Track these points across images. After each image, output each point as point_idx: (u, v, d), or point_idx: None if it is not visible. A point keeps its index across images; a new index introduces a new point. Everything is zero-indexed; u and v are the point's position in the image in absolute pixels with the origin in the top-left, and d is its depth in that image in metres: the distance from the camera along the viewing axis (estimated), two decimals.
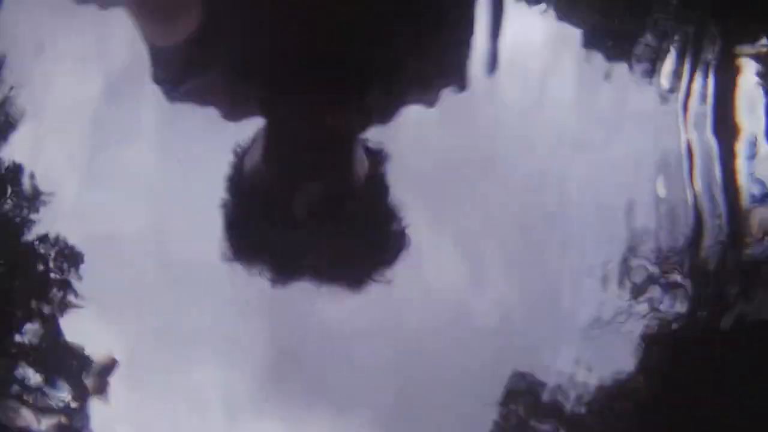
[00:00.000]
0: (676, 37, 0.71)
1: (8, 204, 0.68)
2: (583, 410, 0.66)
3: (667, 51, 0.71)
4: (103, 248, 0.66)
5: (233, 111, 0.68)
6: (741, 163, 0.69)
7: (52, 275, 0.67)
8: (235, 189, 0.67)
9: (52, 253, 0.67)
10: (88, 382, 0.66)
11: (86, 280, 0.66)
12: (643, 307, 0.66)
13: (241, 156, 0.68)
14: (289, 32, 0.67)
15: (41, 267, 0.67)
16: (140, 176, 0.67)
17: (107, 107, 0.68)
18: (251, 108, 0.68)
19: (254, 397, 0.66)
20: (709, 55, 0.70)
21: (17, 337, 0.66)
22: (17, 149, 0.68)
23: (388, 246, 0.67)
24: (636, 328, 0.66)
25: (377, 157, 0.68)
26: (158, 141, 0.68)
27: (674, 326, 0.66)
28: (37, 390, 0.65)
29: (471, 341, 0.66)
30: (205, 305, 0.66)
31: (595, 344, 0.66)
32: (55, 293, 0.66)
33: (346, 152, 0.68)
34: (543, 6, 0.71)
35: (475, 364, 0.65)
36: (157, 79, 0.67)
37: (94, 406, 0.65)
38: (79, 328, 0.66)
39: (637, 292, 0.67)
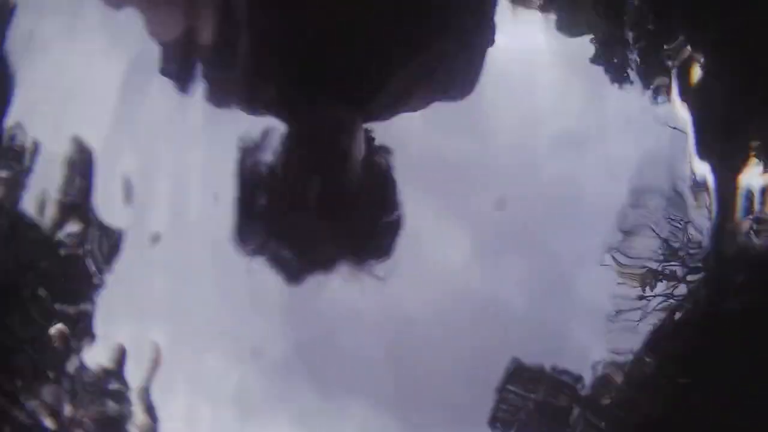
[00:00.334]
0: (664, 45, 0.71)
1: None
2: (589, 395, 0.66)
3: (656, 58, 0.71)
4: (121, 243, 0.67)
5: (248, 106, 0.69)
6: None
7: (70, 269, 0.68)
8: (242, 182, 0.68)
9: (68, 248, 0.68)
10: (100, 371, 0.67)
11: (104, 276, 0.67)
12: (647, 295, 0.67)
13: (248, 150, 0.68)
14: (296, 31, 0.68)
15: (58, 259, 0.68)
16: (154, 171, 0.68)
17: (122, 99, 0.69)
18: (262, 104, 0.69)
19: (264, 386, 0.66)
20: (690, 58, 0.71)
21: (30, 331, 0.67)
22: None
23: (390, 236, 0.67)
24: (639, 316, 0.67)
25: (379, 150, 0.68)
26: (171, 134, 0.69)
27: (678, 314, 0.67)
28: (53, 385, 0.66)
29: (475, 328, 0.66)
30: (214, 298, 0.67)
31: (600, 330, 0.66)
32: (73, 289, 0.68)
33: (348, 146, 0.69)
34: (540, 15, 0.72)
35: (481, 351, 0.66)
36: (166, 72, 0.68)
37: (111, 398, 0.66)
38: (96, 323, 0.67)
39: (641, 281, 0.67)
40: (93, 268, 0.67)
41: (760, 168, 0.68)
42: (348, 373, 0.66)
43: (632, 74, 0.70)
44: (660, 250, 0.68)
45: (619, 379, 0.66)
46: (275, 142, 0.68)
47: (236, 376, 0.66)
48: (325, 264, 0.67)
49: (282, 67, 0.69)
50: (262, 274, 0.67)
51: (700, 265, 0.68)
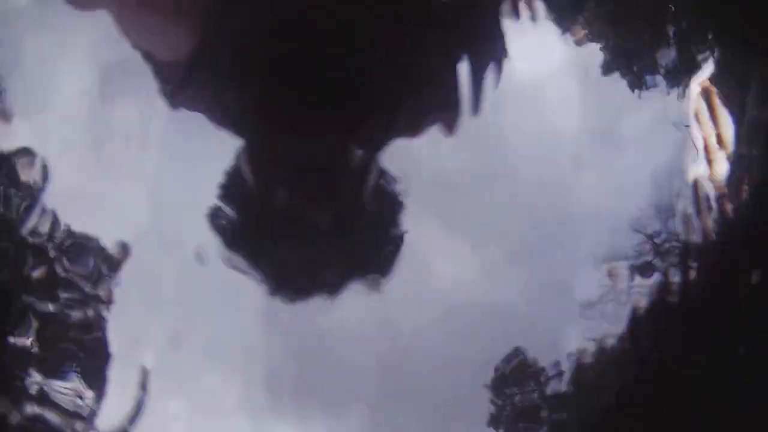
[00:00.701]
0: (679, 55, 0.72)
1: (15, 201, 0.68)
2: (584, 393, 0.68)
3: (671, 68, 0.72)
4: (120, 254, 0.67)
5: (224, 119, 0.67)
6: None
7: (73, 279, 0.67)
8: (231, 199, 0.67)
9: (72, 257, 0.67)
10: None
11: (105, 285, 0.67)
12: (644, 294, 0.69)
13: (237, 166, 0.67)
14: (289, 43, 0.67)
15: (61, 269, 0.67)
16: (148, 182, 0.67)
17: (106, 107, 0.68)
18: (242, 117, 0.68)
19: (260, 399, 0.67)
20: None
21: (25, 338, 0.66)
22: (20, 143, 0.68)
23: (390, 253, 0.67)
24: (636, 313, 0.68)
25: (378, 169, 0.68)
26: (162, 145, 0.68)
27: (675, 310, 0.69)
28: (54, 389, 0.66)
29: (476, 340, 0.67)
30: (214, 312, 0.67)
31: (596, 329, 0.68)
32: (74, 296, 0.67)
33: (344, 165, 0.68)
34: (550, 28, 0.71)
35: (483, 362, 0.68)
36: (161, 91, 0.67)
37: (111, 405, 0.66)
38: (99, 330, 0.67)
39: (639, 277, 0.69)
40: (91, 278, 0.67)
41: None
42: (347, 385, 0.67)
43: (643, 84, 0.71)
44: (664, 258, 0.69)
45: (620, 384, 0.68)
46: (262, 159, 0.68)
47: (236, 390, 0.67)
48: (321, 280, 0.67)
49: (271, 81, 0.67)
50: (257, 290, 0.67)
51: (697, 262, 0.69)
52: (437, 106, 0.69)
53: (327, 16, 0.66)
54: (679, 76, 0.71)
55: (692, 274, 0.69)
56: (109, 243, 0.67)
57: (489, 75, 0.69)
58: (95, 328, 0.66)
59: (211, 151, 0.67)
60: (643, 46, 0.72)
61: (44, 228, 0.67)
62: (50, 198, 0.67)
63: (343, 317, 0.67)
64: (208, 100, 0.67)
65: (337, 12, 0.67)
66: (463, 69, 0.69)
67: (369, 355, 0.67)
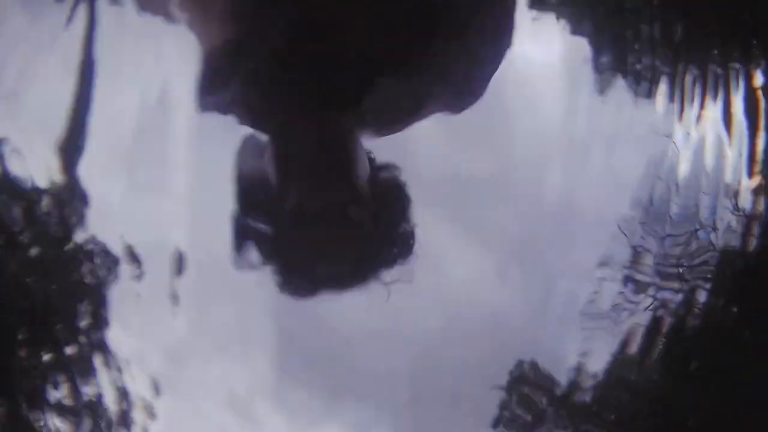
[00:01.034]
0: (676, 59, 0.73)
1: (44, 207, 0.69)
2: (588, 400, 0.69)
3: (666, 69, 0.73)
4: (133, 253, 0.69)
5: (253, 122, 0.69)
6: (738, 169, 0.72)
7: (87, 279, 0.69)
8: (244, 195, 0.68)
9: (86, 257, 0.69)
10: None
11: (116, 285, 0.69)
12: (645, 302, 0.69)
13: (249, 163, 0.69)
14: (294, 36, 0.68)
15: (76, 270, 0.69)
16: (173, 186, 0.69)
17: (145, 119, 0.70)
18: (263, 117, 0.69)
19: (269, 398, 0.67)
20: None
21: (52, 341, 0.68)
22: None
23: (395, 249, 0.68)
24: (638, 321, 0.69)
25: (383, 163, 0.69)
26: (188, 150, 0.69)
27: (675, 320, 0.69)
28: (68, 388, 0.67)
29: (483, 343, 0.68)
30: (226, 308, 0.68)
31: (598, 337, 0.69)
32: (90, 296, 0.68)
33: (352, 158, 0.69)
34: (551, 22, 0.73)
35: (488, 365, 0.68)
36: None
37: (113, 399, 0.67)
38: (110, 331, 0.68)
39: (640, 288, 0.70)
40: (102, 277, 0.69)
41: None
42: (356, 385, 0.68)
43: (641, 83, 0.72)
44: (665, 260, 0.70)
45: (623, 390, 0.69)
46: (274, 154, 0.69)
47: (245, 385, 0.68)
48: (329, 276, 0.68)
49: (269, 71, 0.68)
50: (267, 286, 0.68)
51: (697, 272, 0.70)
52: (445, 97, 0.70)
53: (342, 11, 0.68)
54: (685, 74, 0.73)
55: (694, 277, 0.70)
56: (120, 244, 0.69)
57: (492, 67, 0.70)
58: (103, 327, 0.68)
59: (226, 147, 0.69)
60: (644, 45, 0.73)
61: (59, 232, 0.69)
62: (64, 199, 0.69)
63: (349, 317, 0.68)
64: (235, 104, 0.69)
65: (351, 7, 0.68)
66: (470, 60, 0.70)
67: (377, 355, 0.68)
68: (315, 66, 0.68)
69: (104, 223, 0.69)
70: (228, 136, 0.69)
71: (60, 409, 0.67)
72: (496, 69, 0.70)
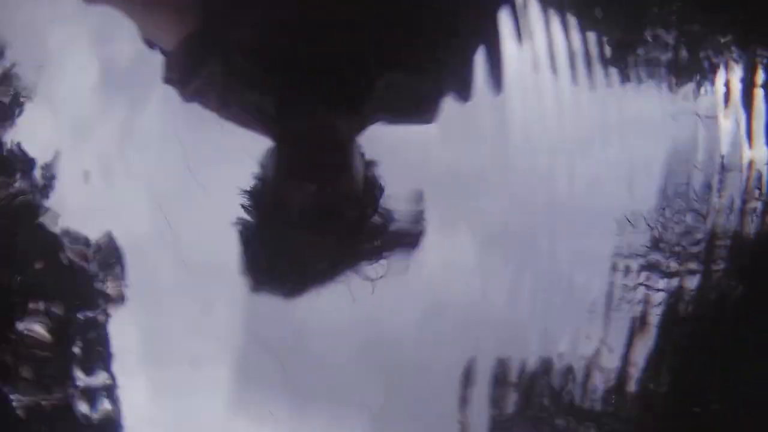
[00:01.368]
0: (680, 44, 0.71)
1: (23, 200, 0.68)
2: (588, 394, 0.68)
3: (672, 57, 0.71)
4: (119, 249, 0.67)
5: (231, 112, 0.67)
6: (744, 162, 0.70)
7: (75, 272, 0.68)
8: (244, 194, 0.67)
9: (71, 251, 0.68)
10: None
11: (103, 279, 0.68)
12: (647, 293, 0.69)
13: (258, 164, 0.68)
14: (292, 34, 0.67)
15: (62, 263, 0.68)
16: (151, 178, 0.68)
17: (115, 105, 0.68)
18: (250, 110, 0.68)
19: (249, 394, 0.67)
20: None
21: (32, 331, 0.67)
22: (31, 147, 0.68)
23: (386, 247, 0.67)
24: (640, 312, 0.69)
25: (374, 162, 0.68)
26: (168, 142, 0.67)
27: (678, 310, 0.69)
28: (57, 382, 0.67)
29: (472, 335, 0.68)
30: (209, 306, 0.67)
31: (601, 328, 0.68)
32: (77, 290, 0.68)
33: (344, 156, 0.68)
34: (549, 15, 0.70)
35: (478, 357, 0.68)
36: (167, 80, 0.67)
37: (104, 399, 0.67)
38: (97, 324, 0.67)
39: (643, 278, 0.69)
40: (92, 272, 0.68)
41: None
42: (334, 382, 0.67)
43: (648, 76, 0.70)
44: (667, 252, 0.69)
45: (627, 387, 0.68)
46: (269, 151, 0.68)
47: (223, 380, 0.67)
48: (316, 274, 0.67)
49: (275, 74, 0.67)
50: (255, 287, 0.67)
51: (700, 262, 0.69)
52: (443, 95, 0.68)
53: (332, 8, 0.66)
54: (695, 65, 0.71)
55: (697, 273, 0.69)
56: (111, 241, 0.68)
57: (490, 63, 0.69)
58: (98, 326, 0.67)
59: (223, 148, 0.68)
60: (650, 36, 0.71)
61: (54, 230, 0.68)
62: (57, 199, 0.68)
63: (330, 313, 0.67)
64: (218, 95, 0.67)
65: (342, 4, 0.67)
66: (466, 57, 0.68)
67: (355, 351, 0.67)
68: (314, 66, 0.67)
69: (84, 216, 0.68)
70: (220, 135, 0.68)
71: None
72: (496, 66, 0.68)
